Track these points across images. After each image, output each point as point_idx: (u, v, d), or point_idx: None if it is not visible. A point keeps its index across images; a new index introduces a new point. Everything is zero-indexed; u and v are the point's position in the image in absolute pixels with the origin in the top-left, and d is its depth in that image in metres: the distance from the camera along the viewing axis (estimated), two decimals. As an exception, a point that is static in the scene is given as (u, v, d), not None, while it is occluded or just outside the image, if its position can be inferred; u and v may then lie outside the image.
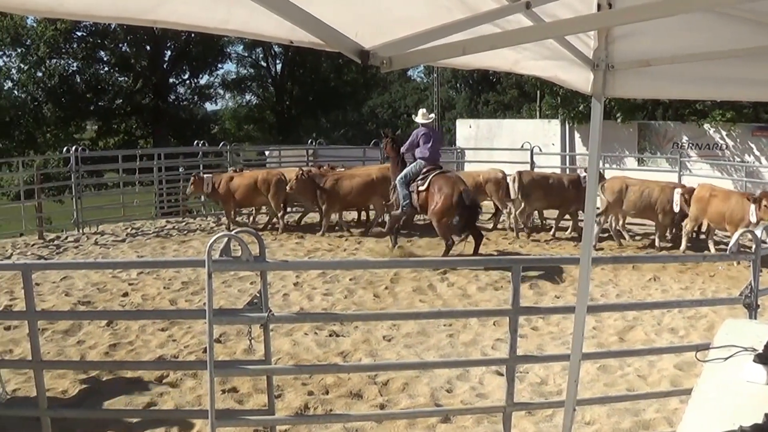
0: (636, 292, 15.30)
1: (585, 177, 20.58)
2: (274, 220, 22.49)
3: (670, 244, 19.60)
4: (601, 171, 21.81)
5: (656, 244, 19.50)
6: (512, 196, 21.02)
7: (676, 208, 18.74)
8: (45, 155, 40.22)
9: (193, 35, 48.92)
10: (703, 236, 19.65)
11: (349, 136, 63.92)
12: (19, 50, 48.67)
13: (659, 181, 20.55)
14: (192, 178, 22.58)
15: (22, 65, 49.11)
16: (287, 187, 21.19)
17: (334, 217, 22.11)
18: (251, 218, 24.08)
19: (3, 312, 12.73)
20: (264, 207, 23.19)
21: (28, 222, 24.14)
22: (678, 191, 18.95)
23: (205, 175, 22.49)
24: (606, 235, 20.45)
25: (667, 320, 12.99)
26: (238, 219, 23.37)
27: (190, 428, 8.77)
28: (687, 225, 18.78)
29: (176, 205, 26.37)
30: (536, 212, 22.22)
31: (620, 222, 20.56)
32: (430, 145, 18.68)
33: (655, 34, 4.69)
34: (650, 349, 10.67)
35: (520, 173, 21.36)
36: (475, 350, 11.66)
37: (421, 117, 19.17)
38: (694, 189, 18.80)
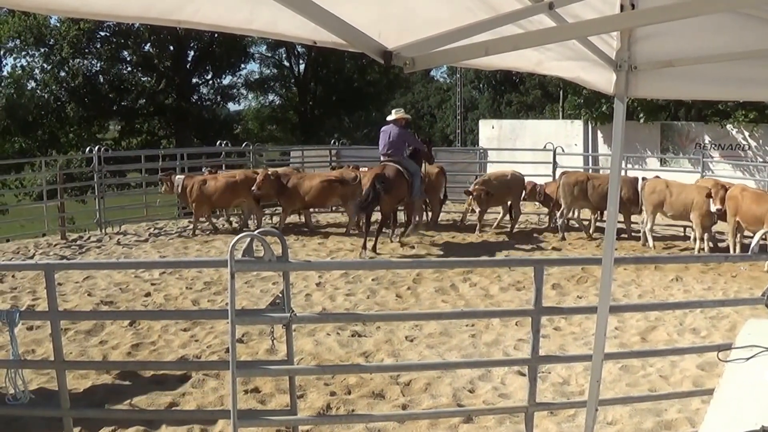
0: (658, 293, 15.25)
1: (644, 181, 20.46)
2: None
3: (711, 245, 19.42)
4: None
5: (697, 247, 19.06)
6: (561, 197, 20.85)
7: (713, 209, 18.36)
8: (68, 155, 40.49)
9: (216, 35, 48.93)
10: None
11: (372, 136, 63.76)
12: (42, 50, 48.84)
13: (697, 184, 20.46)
14: (162, 180, 22.63)
15: (46, 65, 49.33)
16: (253, 188, 21.12)
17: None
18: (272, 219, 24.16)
19: (26, 312, 12.75)
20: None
21: (51, 222, 24.22)
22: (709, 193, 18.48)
23: (176, 177, 22.46)
24: (625, 235, 20.43)
25: (690, 320, 12.95)
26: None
27: (213, 428, 8.80)
28: (729, 225, 18.47)
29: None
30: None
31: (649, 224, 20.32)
32: (384, 140, 19.84)
33: (678, 34, 4.68)
34: (672, 350, 10.65)
35: (564, 174, 21.28)
36: (498, 350, 11.66)
37: (393, 115, 20.23)
38: (725, 186, 18.45)
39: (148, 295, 15.04)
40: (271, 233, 7.71)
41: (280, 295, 7.30)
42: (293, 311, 7.22)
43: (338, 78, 58.45)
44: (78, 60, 49.51)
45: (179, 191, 22.01)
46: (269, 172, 21.63)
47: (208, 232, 22.58)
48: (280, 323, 7.36)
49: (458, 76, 55.54)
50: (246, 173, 22.48)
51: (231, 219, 23.59)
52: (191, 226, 22.46)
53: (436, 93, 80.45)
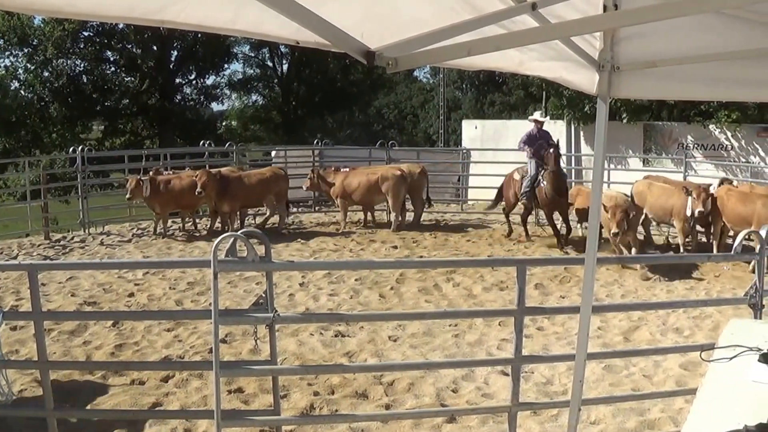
0: (641, 293, 15.28)
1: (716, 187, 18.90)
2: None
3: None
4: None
5: (682, 249, 18.69)
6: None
7: (688, 212, 18.19)
8: (51, 155, 40.24)
9: (199, 35, 48.83)
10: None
11: (355, 136, 63.76)
12: (26, 50, 48.63)
13: (683, 182, 20.38)
14: (131, 182, 22.34)
15: (29, 65, 49.10)
16: (198, 189, 20.75)
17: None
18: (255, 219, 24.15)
19: (9, 312, 12.71)
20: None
21: (34, 222, 24.09)
22: (691, 195, 17.98)
23: (142, 179, 22.21)
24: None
25: (672, 320, 12.99)
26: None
27: (196, 428, 8.79)
28: (715, 227, 18.39)
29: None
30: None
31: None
32: None
33: (661, 35, 4.70)
34: (655, 349, 10.68)
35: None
36: (481, 350, 11.67)
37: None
38: (707, 186, 18.21)
39: (131, 295, 15.03)
40: (255, 234, 7.71)
41: (264, 295, 7.30)
42: (276, 311, 7.22)
43: (321, 78, 58.35)
44: (62, 60, 49.29)
45: (147, 193, 21.68)
46: (212, 172, 21.54)
47: (191, 232, 22.54)
48: (264, 323, 7.37)
49: (441, 76, 55.42)
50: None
51: (186, 223, 23.36)
52: (178, 226, 22.44)
53: (419, 93, 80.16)
